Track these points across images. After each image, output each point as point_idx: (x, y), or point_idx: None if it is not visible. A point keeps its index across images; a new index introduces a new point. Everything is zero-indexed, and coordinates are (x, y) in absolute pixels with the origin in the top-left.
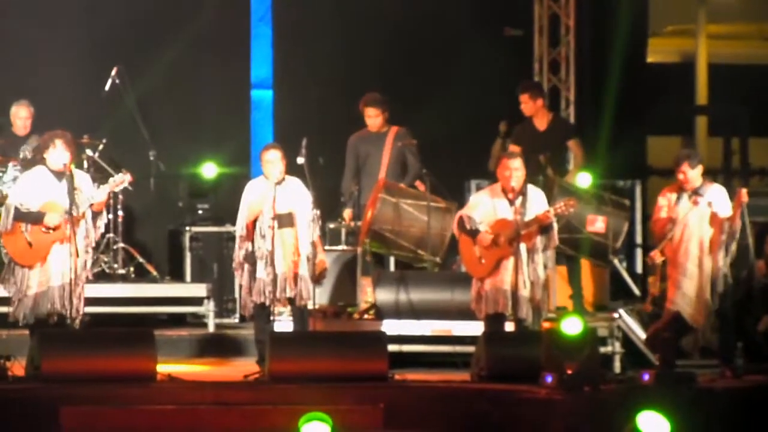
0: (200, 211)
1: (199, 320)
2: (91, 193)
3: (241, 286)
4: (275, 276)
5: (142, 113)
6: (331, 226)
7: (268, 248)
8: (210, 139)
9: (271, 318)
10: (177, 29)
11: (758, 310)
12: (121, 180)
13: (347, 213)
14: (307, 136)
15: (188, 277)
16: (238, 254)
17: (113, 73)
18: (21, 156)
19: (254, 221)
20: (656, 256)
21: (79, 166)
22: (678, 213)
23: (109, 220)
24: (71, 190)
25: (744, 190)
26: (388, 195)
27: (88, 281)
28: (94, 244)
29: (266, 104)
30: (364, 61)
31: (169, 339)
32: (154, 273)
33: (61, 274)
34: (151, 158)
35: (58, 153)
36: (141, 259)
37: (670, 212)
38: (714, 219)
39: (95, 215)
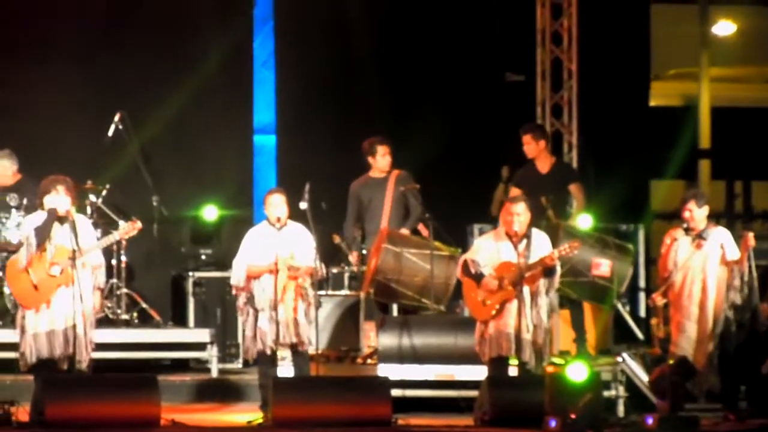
0: (203, 257)
1: (202, 365)
2: (94, 240)
3: (244, 332)
4: (278, 323)
5: (145, 159)
6: (334, 271)
7: (270, 297)
8: (213, 184)
9: (276, 363)
10: (180, 74)
11: (762, 353)
12: (132, 227)
13: (354, 256)
14: (310, 181)
15: (191, 323)
16: (239, 300)
17: (116, 118)
18: (14, 204)
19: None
20: (657, 299)
21: (82, 211)
22: (680, 257)
23: (112, 265)
24: (74, 234)
25: (751, 234)
26: (391, 245)
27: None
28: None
29: (269, 149)
30: (366, 105)
31: (172, 384)
32: (158, 318)
33: (65, 317)
34: (154, 204)
35: (60, 198)
36: (144, 305)
37: (669, 252)
38: (722, 261)
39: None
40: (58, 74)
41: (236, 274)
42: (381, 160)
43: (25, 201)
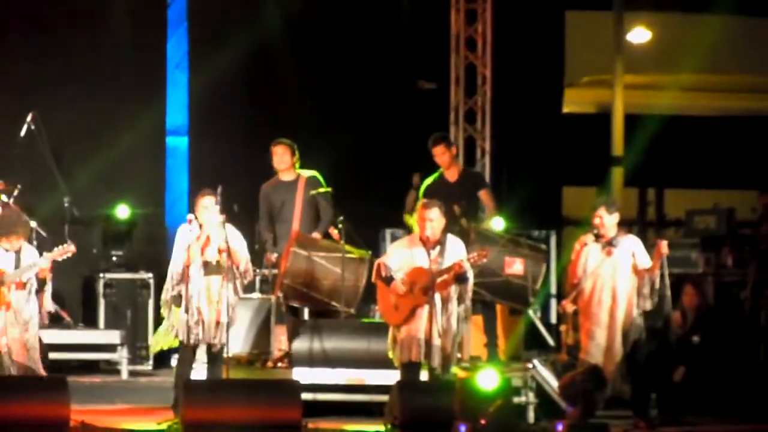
0: (114, 258)
1: (112, 367)
2: (35, 260)
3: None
4: (202, 321)
5: (57, 159)
6: None
7: (193, 294)
8: (125, 186)
9: (192, 363)
10: (93, 75)
11: (673, 361)
12: (65, 250)
13: (270, 257)
14: (222, 183)
15: (102, 324)
16: (169, 293)
17: (28, 119)
18: None
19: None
20: (567, 306)
21: None
22: (590, 264)
23: None
24: (18, 261)
25: (664, 242)
26: (300, 249)
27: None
28: (46, 314)
29: (181, 151)
30: (279, 108)
31: (82, 385)
32: (68, 319)
33: (6, 342)
34: (66, 204)
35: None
36: (54, 306)
37: (578, 258)
38: (634, 270)
39: (41, 283)
40: None
41: (175, 267)
42: (276, 160)
43: None
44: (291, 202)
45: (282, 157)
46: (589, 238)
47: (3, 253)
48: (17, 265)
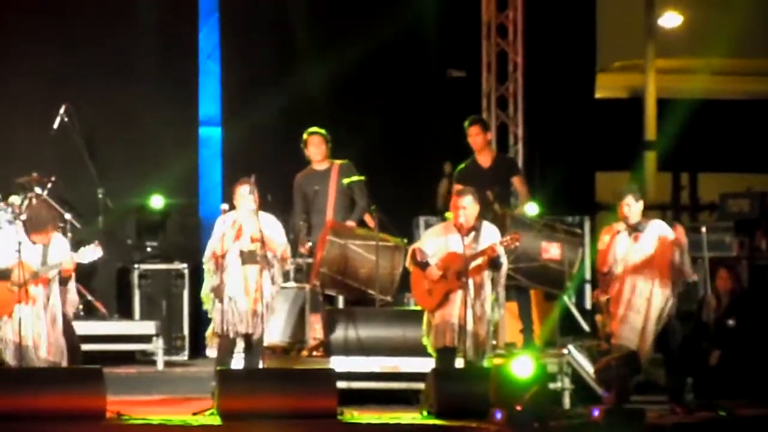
0: (149, 249)
1: (148, 357)
2: (61, 259)
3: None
4: (238, 312)
5: (90, 151)
6: None
7: (230, 284)
8: (158, 177)
9: (233, 353)
10: (126, 66)
11: (708, 345)
12: (93, 253)
13: (305, 247)
14: (256, 172)
15: (137, 315)
16: (209, 284)
17: (61, 110)
18: None
19: (223, 255)
20: (601, 296)
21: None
22: (618, 251)
23: None
24: (45, 254)
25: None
26: (335, 237)
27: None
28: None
29: (215, 141)
30: (311, 98)
31: (118, 377)
32: (103, 311)
33: (31, 336)
34: (100, 196)
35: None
36: (90, 297)
37: (609, 248)
38: (663, 246)
39: (64, 280)
40: (2, 68)
41: (208, 254)
42: (312, 150)
43: None
44: (324, 191)
45: (318, 147)
46: (620, 225)
47: (31, 247)
48: (44, 259)
